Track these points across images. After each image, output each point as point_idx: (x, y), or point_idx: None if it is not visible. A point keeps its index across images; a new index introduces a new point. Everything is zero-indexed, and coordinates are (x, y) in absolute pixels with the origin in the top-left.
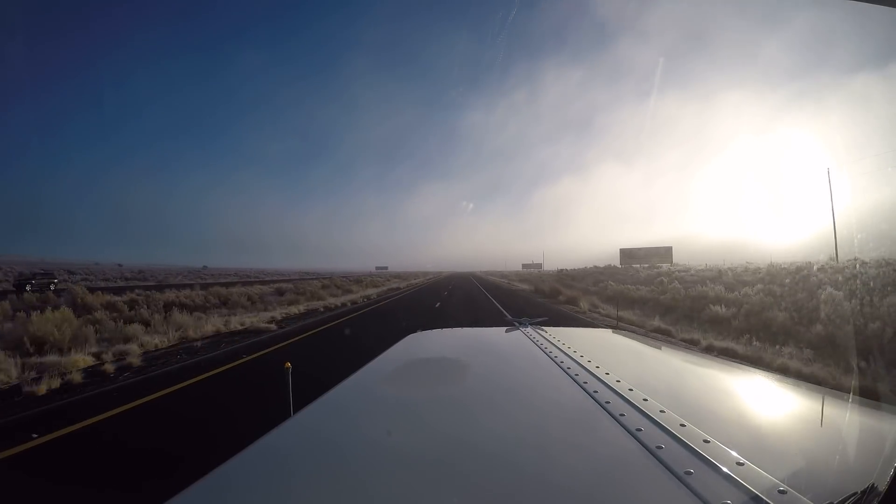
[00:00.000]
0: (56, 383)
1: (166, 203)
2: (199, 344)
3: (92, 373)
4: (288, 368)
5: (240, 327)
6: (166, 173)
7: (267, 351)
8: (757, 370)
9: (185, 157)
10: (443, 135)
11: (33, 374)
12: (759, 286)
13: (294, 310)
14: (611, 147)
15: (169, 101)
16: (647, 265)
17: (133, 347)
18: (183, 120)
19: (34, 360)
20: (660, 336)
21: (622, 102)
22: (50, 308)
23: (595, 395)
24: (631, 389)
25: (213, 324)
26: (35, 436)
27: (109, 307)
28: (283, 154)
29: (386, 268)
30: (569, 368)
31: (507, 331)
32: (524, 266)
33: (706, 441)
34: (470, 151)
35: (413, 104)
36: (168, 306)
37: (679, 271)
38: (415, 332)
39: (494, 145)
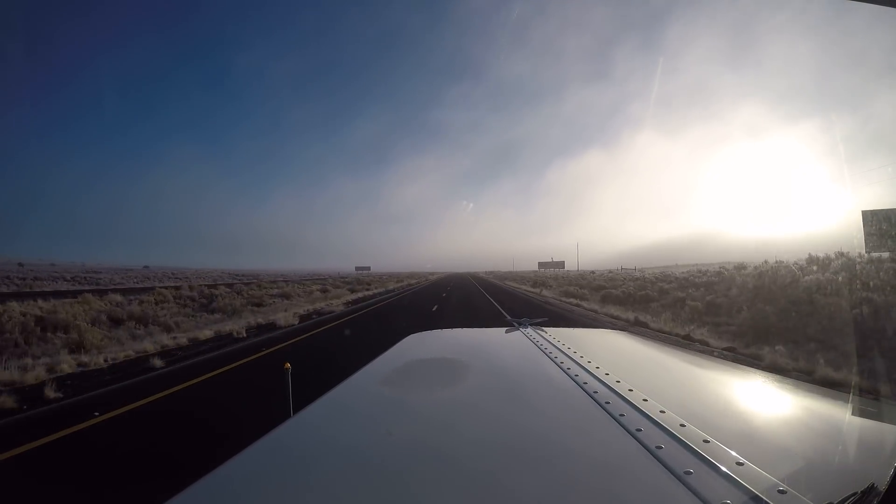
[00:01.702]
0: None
1: (87, 193)
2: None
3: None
4: (287, 369)
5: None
6: (81, 158)
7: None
8: (757, 370)
9: (119, 142)
10: (434, 93)
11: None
12: None
13: None
14: (657, 109)
15: (103, 88)
16: None
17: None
18: (115, 102)
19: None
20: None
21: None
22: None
23: (595, 395)
24: (631, 390)
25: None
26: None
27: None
28: (243, 134)
29: (368, 268)
30: (569, 369)
31: (506, 331)
32: (541, 265)
33: (706, 441)
34: (469, 122)
35: (397, 46)
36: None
37: None
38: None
39: (499, 104)
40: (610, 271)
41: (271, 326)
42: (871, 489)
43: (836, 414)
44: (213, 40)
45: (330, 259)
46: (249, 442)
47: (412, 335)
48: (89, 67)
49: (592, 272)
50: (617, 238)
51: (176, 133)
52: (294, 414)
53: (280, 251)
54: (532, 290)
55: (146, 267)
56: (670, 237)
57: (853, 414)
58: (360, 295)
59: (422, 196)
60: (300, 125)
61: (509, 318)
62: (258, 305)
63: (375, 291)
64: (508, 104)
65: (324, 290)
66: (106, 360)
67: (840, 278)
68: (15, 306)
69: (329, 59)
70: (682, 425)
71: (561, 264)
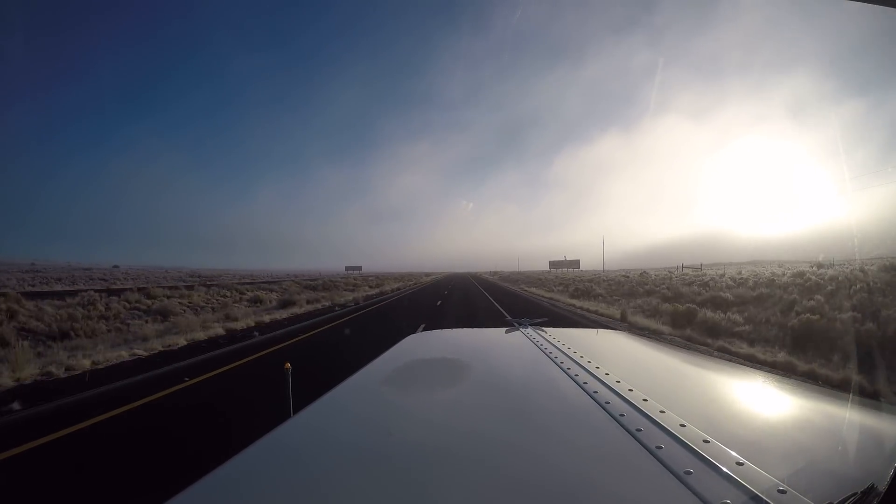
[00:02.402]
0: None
1: (82, 193)
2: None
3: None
4: (288, 369)
5: None
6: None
7: None
8: (757, 370)
9: (109, 140)
10: (435, 79)
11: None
12: None
13: None
14: (666, 97)
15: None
16: None
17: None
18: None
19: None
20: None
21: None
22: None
23: (595, 395)
24: (631, 390)
25: None
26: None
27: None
28: (235, 132)
29: (359, 268)
30: (569, 369)
31: (506, 331)
32: (553, 264)
33: (706, 441)
34: (470, 113)
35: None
36: None
37: None
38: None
39: (501, 96)
40: (669, 271)
41: None
42: (871, 489)
43: (836, 414)
44: (180, 30)
45: (326, 258)
46: None
47: (412, 335)
48: (68, 65)
49: (644, 272)
50: (618, 238)
51: (165, 133)
52: (294, 414)
53: (276, 250)
54: (589, 306)
55: (116, 266)
56: (671, 238)
57: (853, 414)
58: (270, 318)
59: (421, 193)
60: (289, 116)
61: (509, 317)
62: (62, 337)
63: (311, 309)
64: (510, 92)
65: (255, 301)
66: None
67: None
68: None
69: (308, 34)
70: (682, 425)
71: (576, 263)
